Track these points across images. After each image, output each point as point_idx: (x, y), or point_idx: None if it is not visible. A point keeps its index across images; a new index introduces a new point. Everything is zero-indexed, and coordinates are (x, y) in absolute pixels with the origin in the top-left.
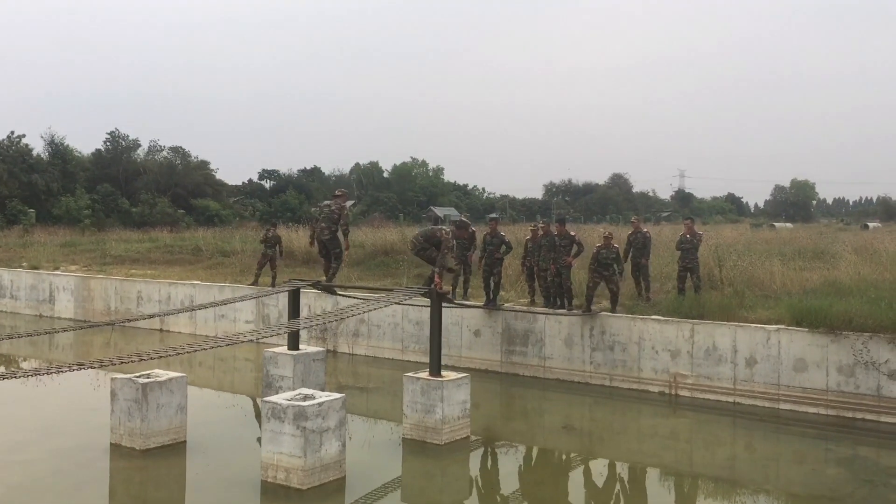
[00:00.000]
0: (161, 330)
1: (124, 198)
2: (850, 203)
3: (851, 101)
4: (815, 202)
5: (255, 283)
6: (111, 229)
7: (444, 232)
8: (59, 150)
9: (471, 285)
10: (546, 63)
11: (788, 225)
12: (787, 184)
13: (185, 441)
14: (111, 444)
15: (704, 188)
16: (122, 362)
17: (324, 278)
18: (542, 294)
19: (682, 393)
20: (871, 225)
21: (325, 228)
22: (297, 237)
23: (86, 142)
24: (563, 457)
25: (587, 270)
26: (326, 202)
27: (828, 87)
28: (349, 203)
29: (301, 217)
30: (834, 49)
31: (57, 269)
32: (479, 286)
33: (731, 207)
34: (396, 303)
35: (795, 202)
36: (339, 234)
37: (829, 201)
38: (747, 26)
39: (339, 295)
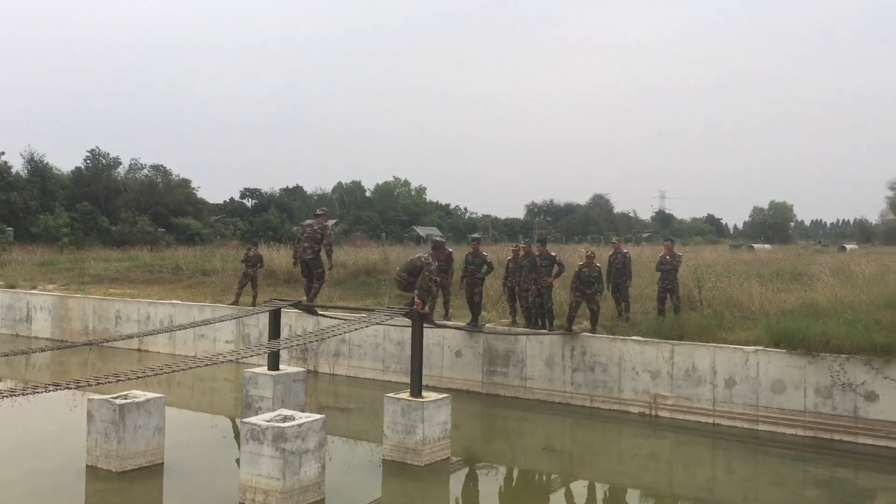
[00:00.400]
0: (139, 350)
1: (104, 216)
2: (828, 225)
3: (830, 125)
4: (792, 224)
5: (235, 302)
6: (90, 248)
7: (423, 259)
8: (38, 168)
9: (452, 306)
10: (528, 86)
11: (767, 246)
12: (765, 205)
13: (162, 463)
14: (87, 465)
15: (684, 209)
16: (99, 383)
17: (305, 298)
18: (524, 314)
19: (662, 414)
20: (848, 247)
21: (307, 248)
22: (278, 256)
23: (66, 160)
24: (544, 478)
25: (569, 290)
26: (308, 221)
27: (807, 110)
28: (331, 222)
29: (283, 236)
30: (814, 74)
31: (34, 288)
32: (461, 306)
33: (711, 228)
34: (378, 323)
35: (774, 224)
36: (322, 254)
37: (807, 223)
38: (727, 52)
39: (320, 315)
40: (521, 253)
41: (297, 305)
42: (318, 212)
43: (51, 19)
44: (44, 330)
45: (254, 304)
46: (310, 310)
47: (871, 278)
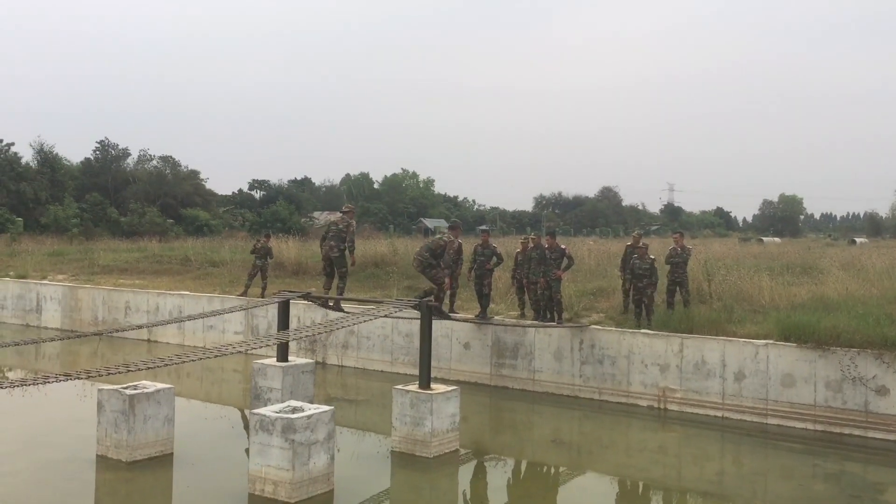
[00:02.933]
0: (149, 341)
1: (113, 207)
2: (838, 218)
3: (840, 118)
4: (802, 217)
5: (244, 293)
6: (99, 239)
7: (445, 239)
8: (47, 159)
9: (461, 298)
10: (537, 78)
11: (776, 239)
12: (775, 198)
13: (172, 453)
14: (97, 455)
15: (693, 202)
16: (109, 373)
17: (316, 291)
18: (532, 307)
19: (671, 407)
20: (858, 240)
21: (333, 247)
22: (286, 248)
23: (75, 150)
24: (552, 471)
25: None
26: (334, 218)
27: (817, 104)
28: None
29: (291, 227)
30: (822, 68)
31: (44, 278)
32: (469, 298)
33: (720, 222)
34: (386, 315)
35: (783, 217)
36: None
37: (817, 216)
38: (736, 44)
39: (329, 308)
40: (530, 245)
41: (306, 297)
42: (345, 209)
43: (59, 10)
44: (53, 320)
45: (263, 296)
46: (338, 306)
47: (881, 272)
